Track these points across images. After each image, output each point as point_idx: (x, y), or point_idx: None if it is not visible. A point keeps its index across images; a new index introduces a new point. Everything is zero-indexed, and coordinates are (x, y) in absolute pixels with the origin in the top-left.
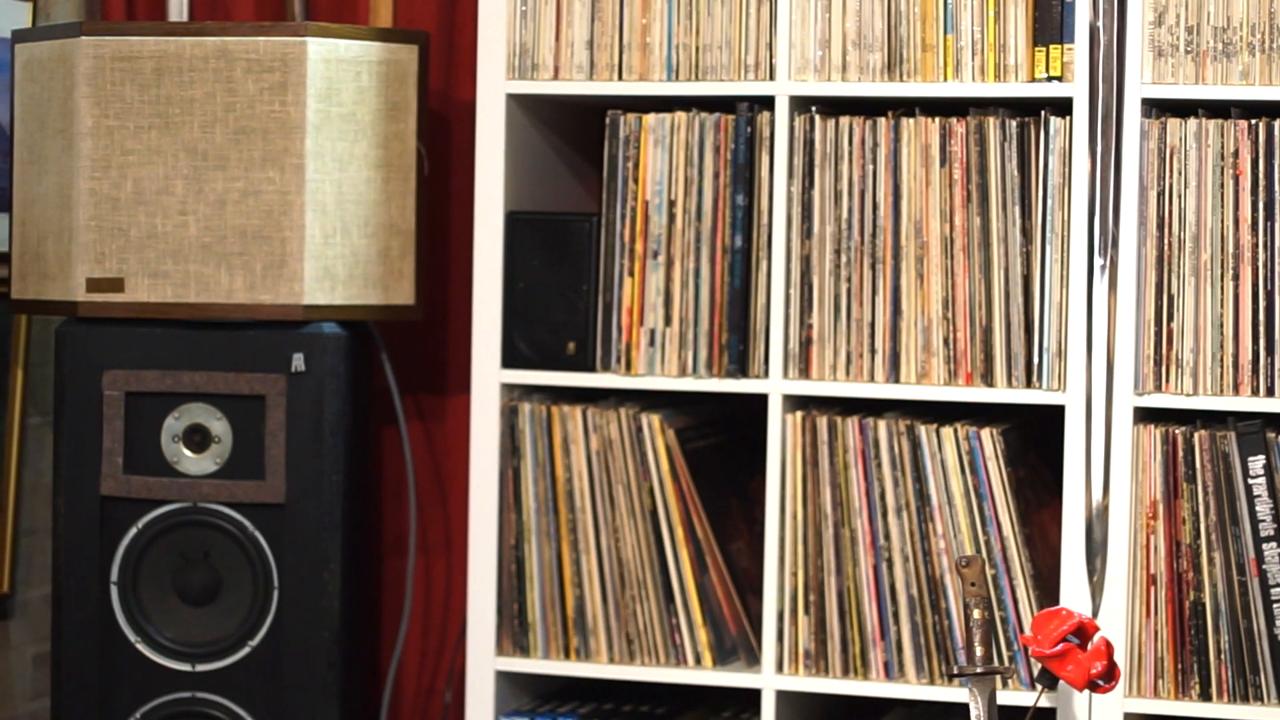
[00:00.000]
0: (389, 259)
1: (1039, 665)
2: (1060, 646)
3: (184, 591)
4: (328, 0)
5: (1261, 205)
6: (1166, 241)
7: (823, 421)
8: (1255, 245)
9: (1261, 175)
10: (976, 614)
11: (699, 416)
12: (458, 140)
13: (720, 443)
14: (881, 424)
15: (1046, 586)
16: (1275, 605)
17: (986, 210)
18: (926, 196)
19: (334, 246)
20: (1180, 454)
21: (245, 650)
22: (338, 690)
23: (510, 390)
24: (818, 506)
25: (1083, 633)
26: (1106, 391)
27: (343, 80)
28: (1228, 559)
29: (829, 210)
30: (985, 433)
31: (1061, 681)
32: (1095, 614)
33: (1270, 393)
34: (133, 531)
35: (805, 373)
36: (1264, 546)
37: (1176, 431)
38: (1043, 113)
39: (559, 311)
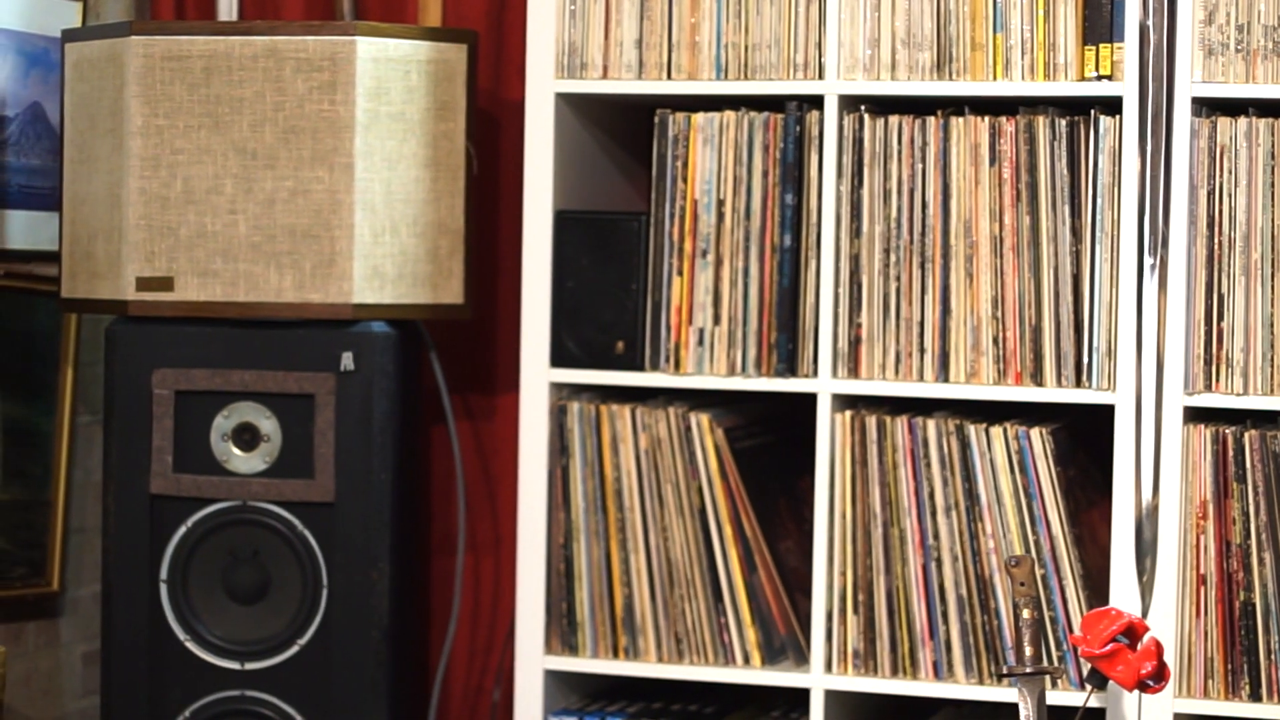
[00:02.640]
0: (438, 258)
1: (1088, 665)
2: (1110, 646)
3: (233, 590)
4: None
5: None
6: (1216, 240)
7: (872, 421)
8: None
9: None
10: (1026, 614)
11: (748, 416)
12: (506, 139)
13: (769, 442)
14: (930, 423)
15: (1096, 586)
16: None
17: (1036, 209)
18: (976, 195)
19: (383, 245)
20: (1230, 454)
21: (294, 649)
22: (386, 689)
23: (559, 389)
24: (867, 506)
25: (1132, 633)
26: (1156, 391)
27: (392, 79)
28: (1278, 559)
29: (878, 209)
30: (1035, 432)
31: (1111, 682)
32: (1145, 614)
33: None
34: (182, 530)
35: (854, 372)
36: None
37: (1226, 431)
38: (1092, 111)
39: (608, 310)
